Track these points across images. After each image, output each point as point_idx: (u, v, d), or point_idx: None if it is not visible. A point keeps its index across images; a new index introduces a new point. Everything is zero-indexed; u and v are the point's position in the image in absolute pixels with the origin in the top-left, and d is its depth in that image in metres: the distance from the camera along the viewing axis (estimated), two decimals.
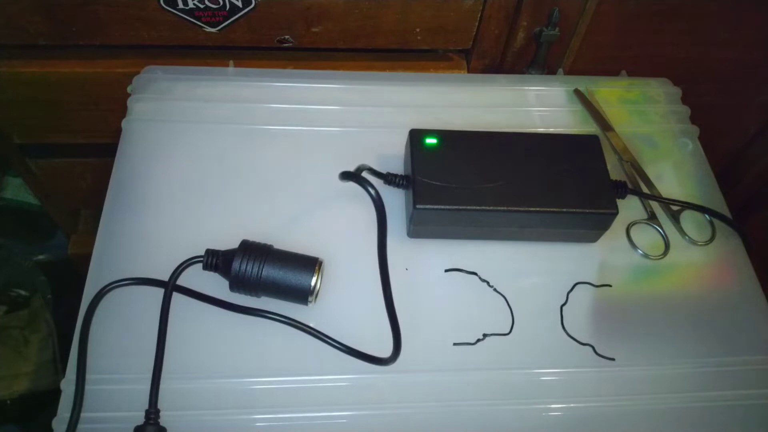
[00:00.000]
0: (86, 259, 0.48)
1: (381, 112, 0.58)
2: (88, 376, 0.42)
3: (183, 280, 0.46)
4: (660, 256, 0.52)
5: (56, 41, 0.60)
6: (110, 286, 0.45)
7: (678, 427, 0.45)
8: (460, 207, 0.47)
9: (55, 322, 0.92)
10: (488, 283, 0.49)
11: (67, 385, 0.42)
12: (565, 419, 0.44)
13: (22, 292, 0.92)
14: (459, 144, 0.50)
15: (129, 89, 0.58)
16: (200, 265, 0.45)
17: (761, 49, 0.69)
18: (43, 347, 0.89)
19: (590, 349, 0.47)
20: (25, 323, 0.90)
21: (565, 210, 0.48)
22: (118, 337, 0.44)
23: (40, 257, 0.96)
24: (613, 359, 0.46)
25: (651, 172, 0.56)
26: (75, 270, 0.89)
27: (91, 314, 0.44)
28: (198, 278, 0.46)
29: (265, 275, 0.44)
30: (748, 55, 0.70)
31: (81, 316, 0.44)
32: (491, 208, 0.47)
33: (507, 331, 0.47)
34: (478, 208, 0.47)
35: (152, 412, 0.41)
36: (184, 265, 0.45)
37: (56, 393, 0.42)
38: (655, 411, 0.45)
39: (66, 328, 0.91)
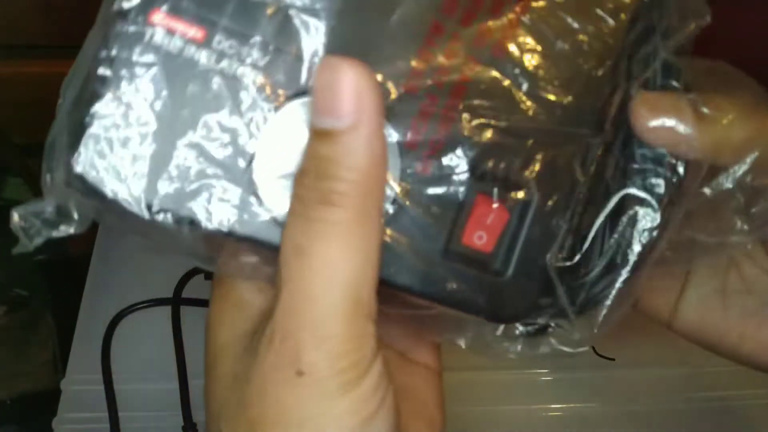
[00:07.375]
0: (86, 259, 0.48)
1: None
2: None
3: (189, 288, 0.46)
4: None
5: (56, 41, 0.60)
6: (121, 315, 0.47)
7: (678, 428, 0.45)
8: None
9: (55, 322, 0.92)
10: None
11: (67, 386, 0.42)
12: (565, 419, 0.44)
13: (22, 292, 0.92)
14: None
15: None
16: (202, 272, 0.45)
17: (761, 50, 0.69)
18: (43, 347, 0.89)
19: (590, 349, 0.47)
20: (25, 323, 0.89)
21: None
22: (139, 358, 0.45)
23: (40, 257, 0.96)
24: (613, 359, 0.46)
25: None
26: (75, 270, 0.89)
27: (108, 345, 0.45)
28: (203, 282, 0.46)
29: None
30: (748, 55, 0.70)
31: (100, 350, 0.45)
32: None
33: None
34: None
35: (188, 427, 0.41)
36: (187, 277, 0.46)
37: (56, 393, 0.42)
38: (655, 411, 0.45)
39: (66, 328, 0.91)
